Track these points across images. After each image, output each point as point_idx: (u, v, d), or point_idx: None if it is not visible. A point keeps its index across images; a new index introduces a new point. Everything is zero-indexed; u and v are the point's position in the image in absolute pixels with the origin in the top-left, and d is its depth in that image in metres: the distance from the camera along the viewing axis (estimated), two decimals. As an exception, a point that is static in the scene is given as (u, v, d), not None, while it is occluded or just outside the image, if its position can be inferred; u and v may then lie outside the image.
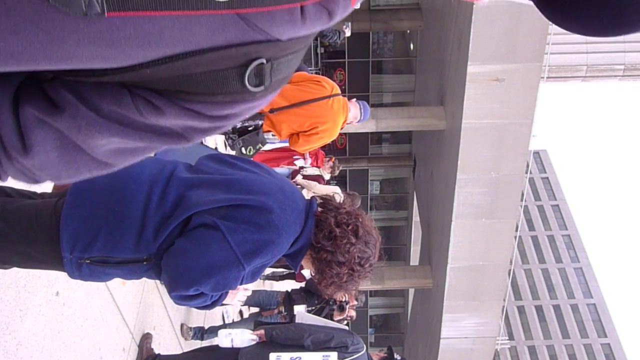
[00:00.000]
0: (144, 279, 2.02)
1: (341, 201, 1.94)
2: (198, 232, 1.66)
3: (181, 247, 1.66)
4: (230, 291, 1.97)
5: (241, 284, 1.73)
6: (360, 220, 1.86)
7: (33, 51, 0.63)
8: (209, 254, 1.65)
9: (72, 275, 1.69)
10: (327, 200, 1.92)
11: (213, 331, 5.45)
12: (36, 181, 0.83)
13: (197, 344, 5.39)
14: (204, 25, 0.65)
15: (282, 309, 6.39)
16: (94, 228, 1.60)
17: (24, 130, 0.74)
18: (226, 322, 6.50)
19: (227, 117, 0.79)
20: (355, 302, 6.44)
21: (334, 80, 4.08)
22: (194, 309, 5.72)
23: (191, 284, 1.66)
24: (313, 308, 6.35)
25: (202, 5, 0.62)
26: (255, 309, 7.00)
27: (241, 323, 6.23)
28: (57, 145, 0.77)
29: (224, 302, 1.95)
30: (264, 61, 0.71)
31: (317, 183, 6.56)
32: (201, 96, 0.73)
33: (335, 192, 5.35)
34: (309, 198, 1.93)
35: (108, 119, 0.74)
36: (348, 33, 13.03)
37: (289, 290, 6.74)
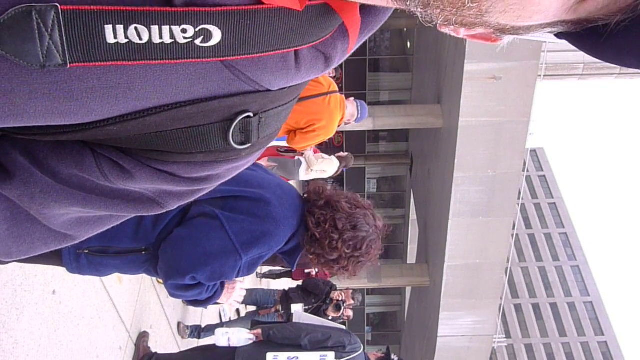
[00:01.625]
0: (141, 276, 2.02)
1: (321, 189, 1.89)
2: (197, 221, 1.68)
3: (179, 235, 1.67)
4: (225, 290, 1.97)
5: (238, 275, 1.74)
6: (339, 206, 1.81)
7: None
8: (207, 242, 1.66)
9: (70, 268, 1.68)
10: (309, 193, 1.89)
11: (210, 330, 5.45)
12: None
13: (194, 342, 5.39)
14: (182, 75, 0.55)
15: (279, 307, 6.39)
16: None
17: None
18: (223, 320, 6.50)
19: (207, 179, 0.69)
20: (352, 302, 6.44)
21: (330, 78, 4.08)
22: (190, 308, 5.73)
23: (188, 271, 1.66)
24: (310, 307, 6.35)
25: (184, 53, 0.53)
26: (252, 308, 7.00)
27: (238, 322, 6.23)
28: (6, 216, 0.65)
29: (219, 301, 1.95)
30: (251, 115, 0.62)
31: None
32: (177, 156, 0.63)
33: (328, 161, 5.31)
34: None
35: (67, 185, 0.63)
36: None
37: (286, 288, 6.74)
